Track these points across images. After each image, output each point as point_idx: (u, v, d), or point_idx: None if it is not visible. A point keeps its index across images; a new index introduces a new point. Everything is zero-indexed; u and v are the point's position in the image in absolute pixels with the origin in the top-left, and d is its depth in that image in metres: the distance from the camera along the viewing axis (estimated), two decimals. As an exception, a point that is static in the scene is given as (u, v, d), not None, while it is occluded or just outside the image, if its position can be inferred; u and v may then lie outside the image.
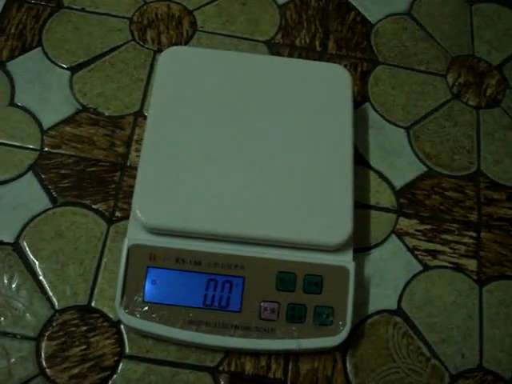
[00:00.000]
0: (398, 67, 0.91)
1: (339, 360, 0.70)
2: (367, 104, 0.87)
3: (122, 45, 0.87)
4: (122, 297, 0.66)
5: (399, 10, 0.96)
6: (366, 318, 0.73)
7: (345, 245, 0.69)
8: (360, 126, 0.83)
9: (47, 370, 0.68)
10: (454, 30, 0.95)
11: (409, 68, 0.91)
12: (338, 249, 0.69)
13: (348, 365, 0.70)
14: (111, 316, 0.70)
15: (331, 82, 0.77)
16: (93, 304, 0.71)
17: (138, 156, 0.78)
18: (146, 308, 0.66)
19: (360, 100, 0.87)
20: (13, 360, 0.68)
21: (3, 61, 0.84)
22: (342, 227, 0.69)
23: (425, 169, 0.83)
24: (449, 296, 0.75)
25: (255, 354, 0.70)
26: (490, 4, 0.99)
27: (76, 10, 0.90)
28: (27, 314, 0.70)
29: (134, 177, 0.76)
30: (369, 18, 0.95)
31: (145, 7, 0.91)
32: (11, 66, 0.84)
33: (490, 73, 0.92)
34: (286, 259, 0.68)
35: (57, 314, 0.70)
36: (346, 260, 0.69)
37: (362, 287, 0.74)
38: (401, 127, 0.85)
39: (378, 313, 0.73)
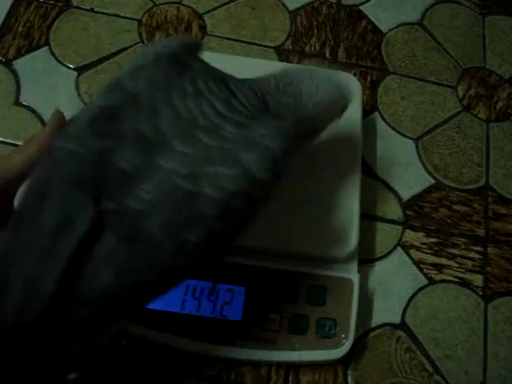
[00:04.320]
0: (409, 77, 0.90)
1: (341, 373, 0.69)
2: (376, 114, 0.86)
3: (130, 46, 0.86)
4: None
5: (411, 19, 0.96)
6: (369, 331, 0.72)
7: (350, 257, 0.68)
8: (368, 135, 0.82)
9: None
10: (465, 41, 0.94)
11: (419, 78, 0.90)
12: (343, 260, 0.68)
13: (349, 378, 0.69)
14: (111, 321, 0.70)
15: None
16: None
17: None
18: (146, 315, 0.65)
19: (369, 109, 0.86)
20: None
21: (10, 59, 0.83)
22: (347, 239, 0.68)
23: (433, 181, 0.82)
24: (454, 311, 0.74)
25: (255, 365, 0.68)
26: (503, 16, 0.98)
27: (85, 10, 0.89)
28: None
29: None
30: (380, 27, 0.94)
31: (154, 9, 0.90)
32: (17, 64, 0.83)
33: (502, 86, 0.91)
34: (289, 269, 0.67)
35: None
36: (351, 272, 0.69)
37: (366, 299, 0.73)
38: (409, 138, 0.84)
39: (381, 326, 0.72)
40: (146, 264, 0.43)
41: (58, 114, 0.56)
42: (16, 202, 0.45)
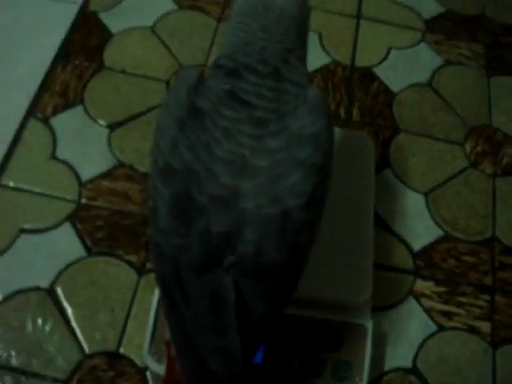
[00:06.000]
0: (419, 135, 0.95)
1: (355, 415, 0.72)
2: (388, 169, 0.91)
3: (158, 106, 0.93)
4: (151, 344, 0.69)
5: (420, 80, 1.02)
6: (382, 374, 0.75)
7: (364, 304, 0.72)
8: (381, 190, 0.87)
9: (76, 413, 0.71)
10: (472, 100, 1.00)
11: (429, 136, 0.95)
12: (357, 308, 0.72)
13: (364, 420, 0.72)
14: (138, 363, 0.74)
15: (355, 148, 0.81)
16: (121, 350, 0.74)
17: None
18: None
19: (381, 165, 0.91)
20: (43, 402, 0.71)
21: (47, 116, 0.90)
22: (362, 287, 0.72)
23: (441, 233, 0.86)
24: (463, 357, 0.77)
25: (274, 406, 0.72)
26: (508, 77, 1.04)
27: (117, 71, 0.96)
28: (58, 357, 0.73)
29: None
30: (391, 88, 1.00)
31: (181, 71, 0.97)
32: (54, 121, 0.90)
33: (507, 142, 0.96)
34: (307, 315, 0.71)
35: (86, 359, 0.73)
36: (365, 318, 0.72)
37: (379, 345, 0.77)
38: (420, 192, 0.90)
39: (393, 370, 0.76)
40: (281, 283, 0.52)
41: None
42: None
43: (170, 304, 0.53)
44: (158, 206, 0.51)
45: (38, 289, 0.77)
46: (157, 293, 0.71)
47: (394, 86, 1.00)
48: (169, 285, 0.52)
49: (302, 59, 0.58)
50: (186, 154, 0.51)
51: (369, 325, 0.72)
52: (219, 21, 1.04)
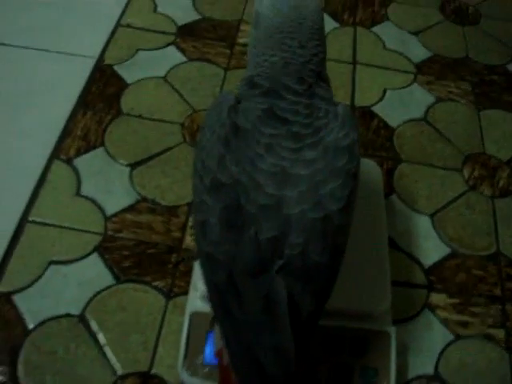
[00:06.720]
0: (419, 164, 1.02)
1: (385, 420, 0.75)
2: (394, 195, 0.97)
3: (175, 146, 0.99)
4: (184, 359, 0.72)
5: (416, 116, 1.10)
6: (407, 382, 0.78)
7: (385, 312, 0.76)
8: (389, 213, 0.91)
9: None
10: (465, 132, 1.08)
11: (428, 165, 1.02)
12: (379, 316, 0.76)
13: (393, 425, 0.74)
14: (170, 382, 0.76)
15: (365, 174, 0.87)
16: (153, 371, 0.76)
17: (192, 240, 0.87)
18: (207, 370, 0.71)
19: (387, 192, 0.97)
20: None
21: (71, 157, 0.95)
22: (382, 297, 0.76)
23: (449, 250, 0.91)
24: (481, 363, 0.81)
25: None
26: (496, 110, 1.13)
27: (134, 116, 1.02)
28: (91, 380, 0.75)
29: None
30: (390, 124, 1.08)
31: (194, 115, 1.03)
32: (77, 162, 0.95)
33: (501, 167, 1.04)
34: (334, 325, 0.75)
35: (119, 380, 0.75)
36: (388, 325, 0.76)
37: (401, 355, 0.80)
38: (425, 214, 0.95)
39: (417, 378, 0.79)
40: (324, 282, 0.56)
41: None
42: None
43: (223, 310, 0.56)
44: (208, 218, 0.55)
45: (68, 315, 0.80)
46: (188, 310, 0.75)
47: (393, 122, 1.08)
48: (223, 291, 0.55)
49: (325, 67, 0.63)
50: (232, 169, 0.55)
51: (392, 331, 0.75)
52: (226, 70, 1.12)
